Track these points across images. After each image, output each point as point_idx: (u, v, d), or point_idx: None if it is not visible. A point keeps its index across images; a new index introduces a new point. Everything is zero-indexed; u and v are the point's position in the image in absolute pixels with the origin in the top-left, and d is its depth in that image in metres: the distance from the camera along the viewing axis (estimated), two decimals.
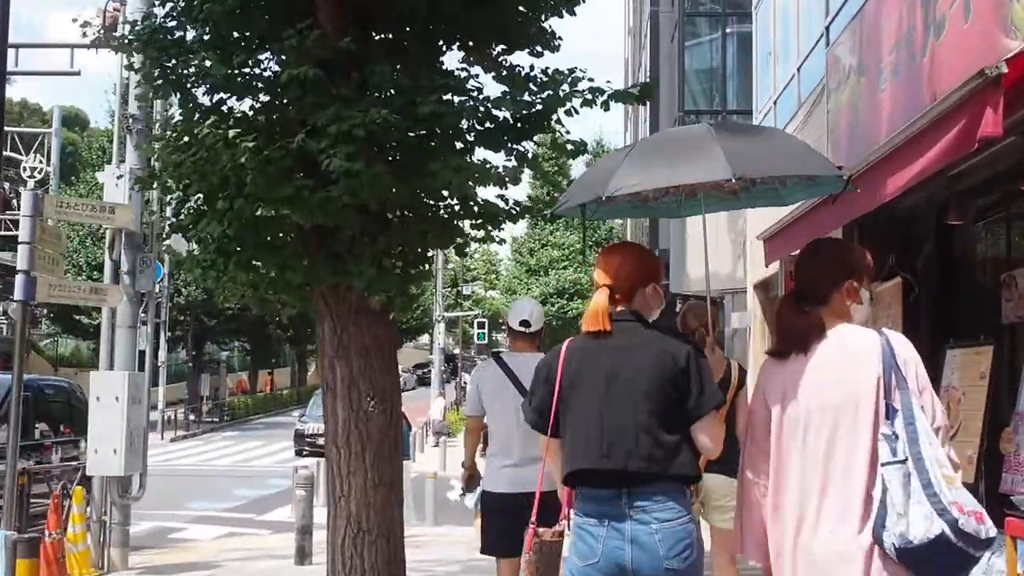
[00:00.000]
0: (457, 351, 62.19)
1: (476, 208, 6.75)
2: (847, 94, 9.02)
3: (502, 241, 7.36)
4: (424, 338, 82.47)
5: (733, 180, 3.65)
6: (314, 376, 69.52)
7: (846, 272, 3.48)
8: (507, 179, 6.70)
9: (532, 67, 6.77)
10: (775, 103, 13.83)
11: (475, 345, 74.60)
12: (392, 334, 6.56)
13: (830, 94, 9.61)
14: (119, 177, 11.17)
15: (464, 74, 6.67)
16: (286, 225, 6.25)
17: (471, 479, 6.30)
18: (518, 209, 6.95)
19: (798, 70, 12.15)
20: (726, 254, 15.94)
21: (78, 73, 22.55)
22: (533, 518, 3.94)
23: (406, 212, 6.49)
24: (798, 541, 3.33)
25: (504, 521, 5.56)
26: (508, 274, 66.70)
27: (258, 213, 5.78)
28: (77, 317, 40.14)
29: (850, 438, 3.27)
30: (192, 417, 42.99)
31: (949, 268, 8.39)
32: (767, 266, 10.13)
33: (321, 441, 7.61)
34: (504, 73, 6.76)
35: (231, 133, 5.60)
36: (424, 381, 60.02)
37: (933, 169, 6.30)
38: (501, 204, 6.86)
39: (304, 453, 30.73)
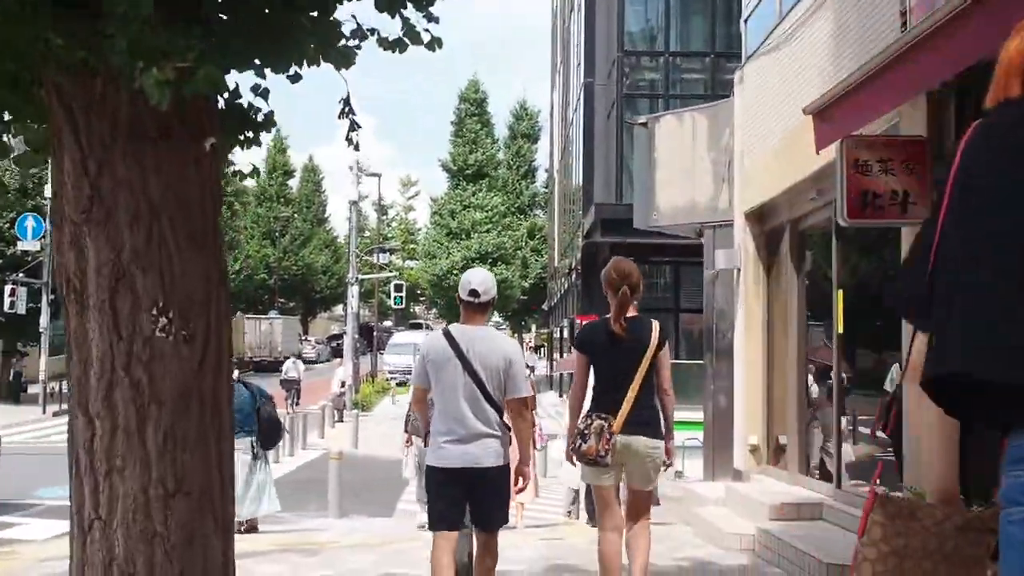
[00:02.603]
0: (374, 323, 58.47)
1: None
2: None
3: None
4: (339, 308, 78.87)
5: None
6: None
7: None
8: None
9: None
10: None
11: (392, 312, 71.08)
12: (209, 180, 3.20)
13: None
14: None
15: None
16: None
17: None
18: None
19: None
20: (705, 177, 12.75)
21: None
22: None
23: None
24: None
25: (447, 498, 5.65)
26: (427, 239, 63.11)
27: None
28: None
29: None
30: None
31: None
32: (818, 152, 6.97)
33: None
34: None
35: None
36: (339, 353, 56.19)
37: None
38: None
39: None
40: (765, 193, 10.77)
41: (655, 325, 5.90)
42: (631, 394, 5.76)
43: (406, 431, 12.51)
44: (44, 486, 17.36)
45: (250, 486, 11.50)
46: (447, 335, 5.73)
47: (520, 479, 5.87)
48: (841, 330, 9.04)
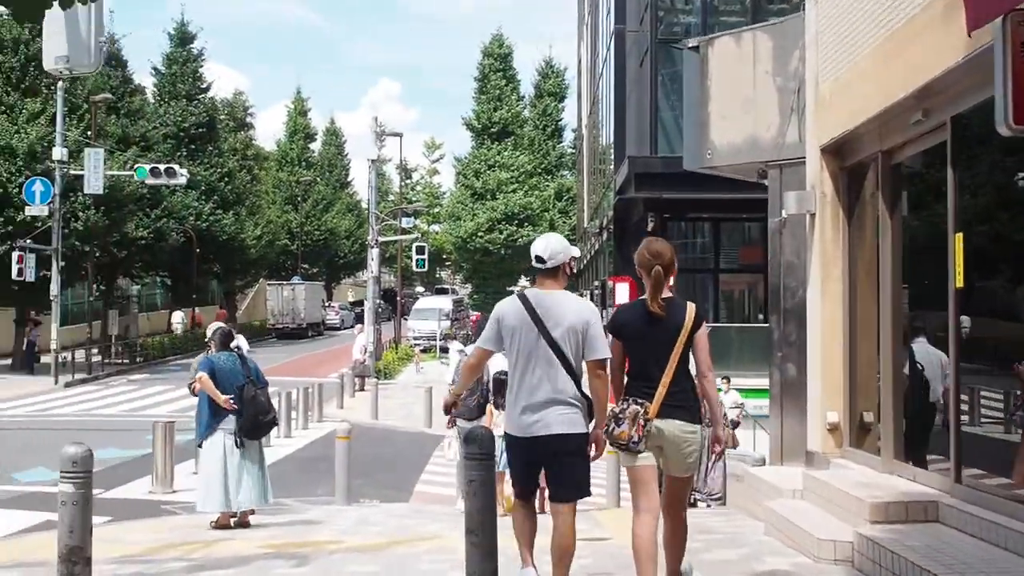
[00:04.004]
0: (398, 287, 56.75)
1: None
2: None
3: None
4: (363, 274, 77.42)
5: None
6: (245, 314, 63.66)
7: None
8: None
9: None
10: None
11: (418, 278, 69.19)
12: None
13: None
14: None
15: None
16: None
17: (453, 406, 6.85)
18: None
19: None
20: (769, 108, 10.84)
21: None
22: None
23: None
24: None
25: (525, 465, 5.79)
26: (452, 199, 61.13)
27: None
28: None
29: None
30: (99, 359, 37.37)
31: None
32: (970, 34, 5.15)
33: None
34: None
35: None
36: (362, 319, 54.63)
37: None
38: None
39: None
40: (847, 121, 8.87)
41: (691, 306, 5.84)
42: (666, 377, 5.68)
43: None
44: (27, 467, 15.77)
45: (238, 475, 9.80)
46: (523, 299, 5.80)
47: (595, 445, 5.78)
48: (961, 284, 7.19)
